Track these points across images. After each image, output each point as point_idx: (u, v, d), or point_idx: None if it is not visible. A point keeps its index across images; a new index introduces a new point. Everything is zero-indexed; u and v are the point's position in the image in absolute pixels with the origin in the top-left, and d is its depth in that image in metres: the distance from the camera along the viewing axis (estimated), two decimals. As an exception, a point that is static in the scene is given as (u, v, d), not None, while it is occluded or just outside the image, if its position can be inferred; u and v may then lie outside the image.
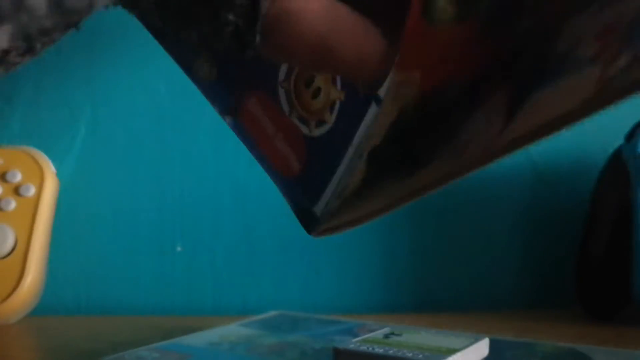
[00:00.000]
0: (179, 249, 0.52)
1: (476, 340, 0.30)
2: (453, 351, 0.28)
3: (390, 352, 0.28)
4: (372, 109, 0.24)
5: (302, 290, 0.52)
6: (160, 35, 0.28)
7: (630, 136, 0.44)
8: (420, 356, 0.28)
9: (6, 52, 0.20)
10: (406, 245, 0.53)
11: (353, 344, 0.29)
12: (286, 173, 0.28)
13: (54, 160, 0.51)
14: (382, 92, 0.23)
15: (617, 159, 0.46)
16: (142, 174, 0.52)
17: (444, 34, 0.20)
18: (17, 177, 0.47)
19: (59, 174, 0.50)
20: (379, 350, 0.29)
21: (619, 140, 0.45)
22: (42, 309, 0.47)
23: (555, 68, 0.20)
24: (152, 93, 0.53)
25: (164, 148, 0.53)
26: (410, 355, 0.28)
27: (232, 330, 0.38)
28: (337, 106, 0.26)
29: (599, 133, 0.49)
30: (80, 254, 0.51)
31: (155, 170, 0.53)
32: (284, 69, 0.27)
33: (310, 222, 0.27)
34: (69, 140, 0.52)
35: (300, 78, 0.27)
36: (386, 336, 0.31)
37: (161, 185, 0.53)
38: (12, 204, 0.45)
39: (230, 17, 0.21)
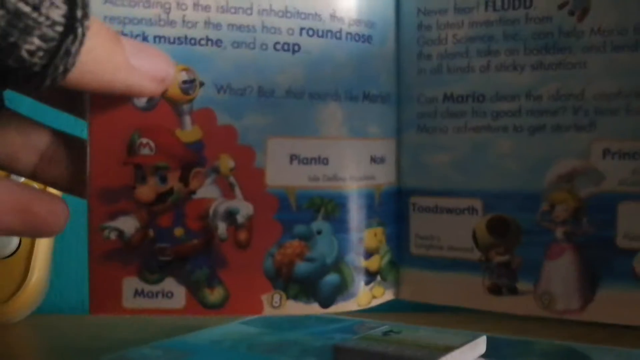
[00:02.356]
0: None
1: (474, 337, 0.31)
2: (451, 348, 0.29)
3: (389, 349, 0.29)
4: None
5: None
6: None
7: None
8: (419, 353, 0.28)
9: None
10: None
11: (353, 341, 0.30)
12: None
13: (57, 161, 0.51)
14: None
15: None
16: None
17: None
18: (21, 177, 0.47)
19: (63, 174, 0.50)
20: (378, 347, 0.29)
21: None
22: (46, 308, 0.47)
23: None
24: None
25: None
26: (409, 352, 0.28)
27: (234, 328, 0.39)
28: None
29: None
30: (84, 253, 0.51)
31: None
32: None
33: None
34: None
35: None
36: (385, 334, 0.31)
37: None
38: (17, 204, 0.46)
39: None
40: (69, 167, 0.26)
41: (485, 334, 0.32)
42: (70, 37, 0.20)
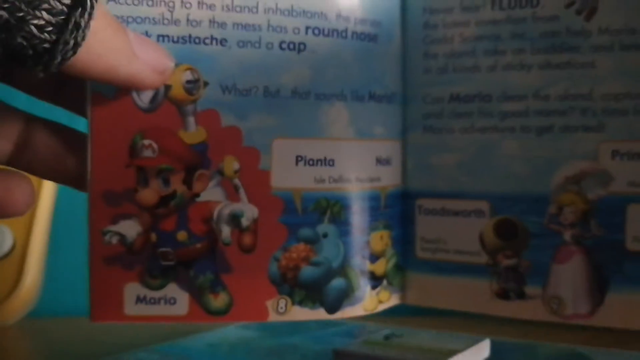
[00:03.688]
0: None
1: (477, 341, 0.30)
2: (454, 352, 0.29)
3: (391, 353, 0.28)
4: None
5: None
6: None
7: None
8: (421, 358, 0.28)
9: None
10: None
11: (353, 345, 0.30)
12: None
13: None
14: None
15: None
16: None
17: None
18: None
19: (58, 175, 0.50)
20: (379, 352, 0.29)
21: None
22: (40, 311, 0.47)
23: None
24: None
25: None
26: (411, 357, 0.28)
27: (232, 332, 0.38)
28: None
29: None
30: (79, 255, 0.51)
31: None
32: None
33: None
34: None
35: None
36: (386, 337, 0.31)
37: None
38: (11, 205, 0.45)
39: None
40: (48, 153, 0.25)
41: (488, 338, 0.31)
42: (79, 10, 0.19)
